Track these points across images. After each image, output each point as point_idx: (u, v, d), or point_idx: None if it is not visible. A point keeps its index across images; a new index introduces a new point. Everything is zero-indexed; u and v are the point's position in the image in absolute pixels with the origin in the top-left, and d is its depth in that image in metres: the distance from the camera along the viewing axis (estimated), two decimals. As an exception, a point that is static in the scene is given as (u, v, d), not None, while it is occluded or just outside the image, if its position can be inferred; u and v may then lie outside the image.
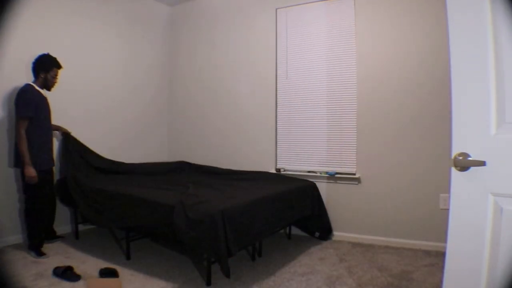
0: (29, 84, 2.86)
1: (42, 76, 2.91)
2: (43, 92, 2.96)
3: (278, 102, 3.82)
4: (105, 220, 2.91)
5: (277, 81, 3.82)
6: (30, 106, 2.77)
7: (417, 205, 3.16)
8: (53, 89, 3.04)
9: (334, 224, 3.48)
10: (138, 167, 3.84)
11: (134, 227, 2.79)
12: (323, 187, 3.50)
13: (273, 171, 3.79)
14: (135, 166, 3.84)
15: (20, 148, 2.75)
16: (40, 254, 2.86)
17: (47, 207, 3.05)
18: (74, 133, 3.64)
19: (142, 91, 4.32)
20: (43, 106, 2.91)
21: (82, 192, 3.04)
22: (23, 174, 2.81)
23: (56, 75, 2.97)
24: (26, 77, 3.04)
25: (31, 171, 2.74)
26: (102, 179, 3.29)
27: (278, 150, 3.83)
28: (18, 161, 2.84)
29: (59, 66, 3.00)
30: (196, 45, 4.39)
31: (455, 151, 1.22)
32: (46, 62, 2.91)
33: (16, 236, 3.17)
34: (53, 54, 3.42)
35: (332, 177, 3.49)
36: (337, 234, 3.47)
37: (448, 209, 1.26)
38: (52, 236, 3.25)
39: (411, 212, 3.19)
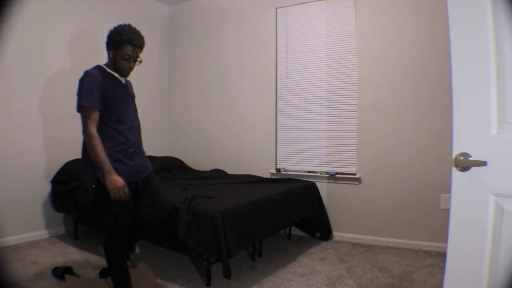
0: (97, 66, 2.09)
1: (111, 55, 2.08)
2: (121, 76, 2.15)
3: (278, 102, 3.81)
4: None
5: (277, 81, 3.81)
6: (92, 92, 1.92)
7: (418, 205, 3.16)
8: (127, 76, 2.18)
9: (334, 224, 3.47)
10: None
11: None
12: (323, 187, 3.49)
13: (273, 171, 3.79)
14: None
15: (93, 152, 1.89)
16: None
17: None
18: (73, 133, 3.64)
19: (141, 91, 4.29)
20: (116, 95, 2.04)
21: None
22: (99, 193, 1.98)
23: (128, 57, 2.04)
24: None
25: (116, 180, 1.87)
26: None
27: (278, 150, 3.83)
28: (89, 175, 2.01)
29: (132, 44, 2.02)
30: (196, 44, 4.39)
31: (456, 151, 1.21)
32: (115, 36, 2.02)
33: (16, 236, 3.16)
34: (50, 54, 3.42)
35: (332, 177, 3.48)
36: (337, 234, 3.46)
37: (449, 209, 1.25)
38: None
39: (411, 212, 3.18)
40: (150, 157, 2.46)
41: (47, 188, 3.38)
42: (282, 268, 2.72)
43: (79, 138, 3.60)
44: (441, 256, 2.84)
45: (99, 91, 1.95)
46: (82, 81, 1.96)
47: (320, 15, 3.56)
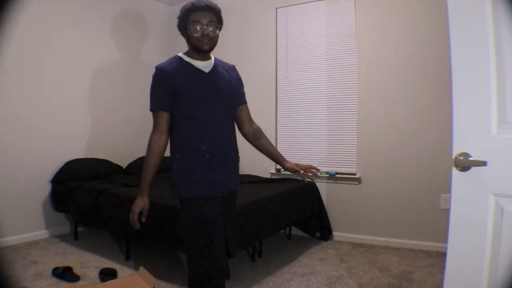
0: (175, 56, 1.76)
1: (185, 37, 1.71)
2: (207, 63, 1.73)
3: (278, 102, 3.81)
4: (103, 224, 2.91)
5: (277, 81, 3.81)
6: (157, 93, 1.67)
7: (418, 205, 3.16)
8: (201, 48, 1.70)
9: (334, 224, 3.47)
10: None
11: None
12: (323, 187, 3.49)
13: (273, 171, 3.79)
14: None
15: (144, 159, 1.78)
16: None
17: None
18: (73, 133, 3.64)
19: (141, 91, 4.30)
20: (191, 88, 1.66)
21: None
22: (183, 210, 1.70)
23: (198, 24, 1.61)
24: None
25: (137, 203, 1.65)
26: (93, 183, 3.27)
27: (278, 150, 3.81)
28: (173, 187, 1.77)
29: (196, 8, 1.62)
30: (196, 45, 4.38)
31: (455, 151, 1.21)
32: (180, 13, 1.68)
33: (16, 236, 3.16)
34: (50, 55, 3.41)
35: (332, 177, 3.48)
36: (337, 234, 3.46)
37: (448, 210, 1.25)
38: None
39: (411, 213, 3.18)
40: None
41: (47, 188, 3.38)
42: (282, 268, 2.72)
43: (79, 137, 3.65)
44: (441, 256, 2.84)
45: (167, 87, 1.63)
46: (152, 79, 1.70)
47: (320, 15, 3.56)
